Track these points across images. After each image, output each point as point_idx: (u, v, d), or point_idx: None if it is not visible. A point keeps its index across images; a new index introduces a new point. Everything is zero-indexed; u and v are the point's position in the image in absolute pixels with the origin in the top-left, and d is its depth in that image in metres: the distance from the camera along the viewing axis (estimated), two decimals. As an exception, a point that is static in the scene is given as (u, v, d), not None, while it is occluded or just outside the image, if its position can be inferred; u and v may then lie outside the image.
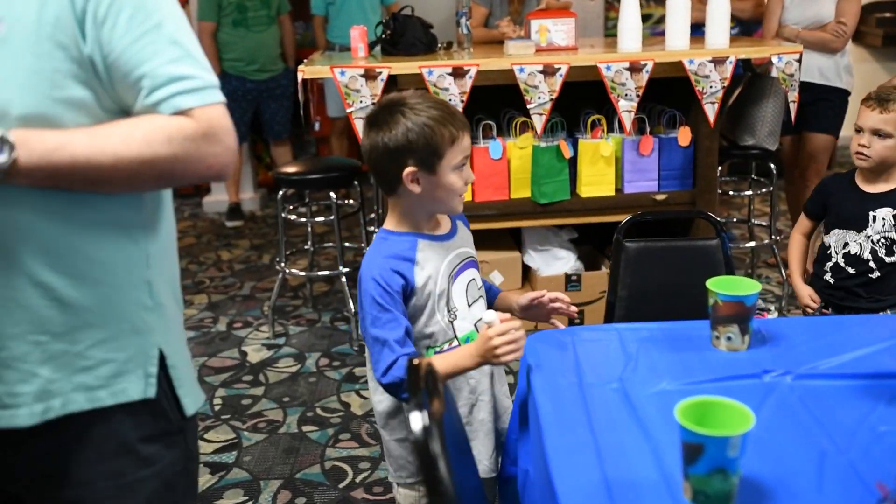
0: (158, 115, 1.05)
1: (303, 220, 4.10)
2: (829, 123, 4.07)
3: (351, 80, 3.17)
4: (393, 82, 3.23)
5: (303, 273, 4.03)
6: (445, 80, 3.18)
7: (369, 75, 3.18)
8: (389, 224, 1.69)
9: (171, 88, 1.05)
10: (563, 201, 3.43)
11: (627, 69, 3.20)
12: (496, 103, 3.57)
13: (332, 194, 3.70)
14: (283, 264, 3.82)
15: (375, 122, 1.60)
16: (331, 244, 4.52)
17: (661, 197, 3.45)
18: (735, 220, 4.82)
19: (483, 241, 3.63)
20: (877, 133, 2.26)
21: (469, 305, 1.71)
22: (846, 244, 2.38)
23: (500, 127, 3.55)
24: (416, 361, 1.25)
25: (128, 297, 1.14)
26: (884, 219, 2.30)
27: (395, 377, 1.56)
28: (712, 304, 1.63)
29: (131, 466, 1.16)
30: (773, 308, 2.69)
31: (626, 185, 3.47)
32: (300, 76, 3.21)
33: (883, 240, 2.31)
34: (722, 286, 1.63)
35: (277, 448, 2.84)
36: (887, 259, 2.33)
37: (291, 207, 4.19)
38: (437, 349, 1.67)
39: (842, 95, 4.05)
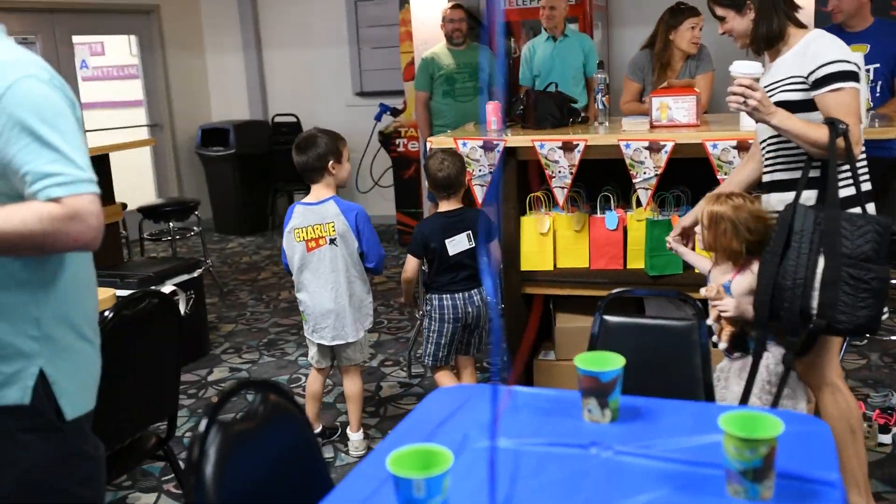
0: (36, 201, 1.49)
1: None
2: None
3: (471, 150, 3.52)
4: (511, 153, 3.52)
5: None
6: (556, 153, 3.41)
7: (487, 147, 3.50)
8: (332, 192, 3.27)
9: (44, 182, 1.48)
10: (675, 275, 3.45)
11: (735, 147, 3.18)
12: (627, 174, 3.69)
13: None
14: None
15: (311, 142, 3.19)
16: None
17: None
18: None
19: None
20: None
21: None
22: None
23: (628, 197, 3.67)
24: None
25: (16, 329, 1.57)
26: None
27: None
28: (579, 378, 1.75)
29: (10, 448, 1.59)
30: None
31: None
32: (428, 145, 3.62)
33: None
34: (586, 362, 1.73)
35: None
36: None
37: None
38: None
39: None
